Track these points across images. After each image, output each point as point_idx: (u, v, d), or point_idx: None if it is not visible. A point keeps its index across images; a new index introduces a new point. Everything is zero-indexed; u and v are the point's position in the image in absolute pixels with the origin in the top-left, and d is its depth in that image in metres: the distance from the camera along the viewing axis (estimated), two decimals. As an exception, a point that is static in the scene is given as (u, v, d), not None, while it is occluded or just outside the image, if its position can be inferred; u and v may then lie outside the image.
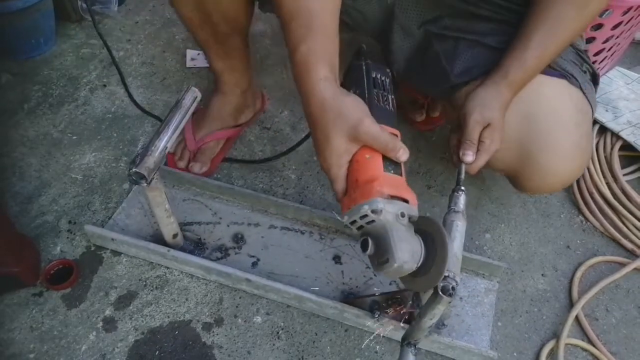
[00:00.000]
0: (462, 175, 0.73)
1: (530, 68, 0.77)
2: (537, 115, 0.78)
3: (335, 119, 0.62)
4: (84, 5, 1.25)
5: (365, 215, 0.59)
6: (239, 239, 0.95)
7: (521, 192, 1.02)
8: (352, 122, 0.61)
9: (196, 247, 0.92)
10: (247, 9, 0.91)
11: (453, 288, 0.59)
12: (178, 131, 0.75)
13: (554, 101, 0.79)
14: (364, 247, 0.61)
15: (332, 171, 0.64)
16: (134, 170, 0.71)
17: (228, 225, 0.97)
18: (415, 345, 0.69)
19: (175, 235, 0.88)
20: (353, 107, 0.62)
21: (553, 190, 0.88)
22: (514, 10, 0.82)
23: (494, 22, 0.85)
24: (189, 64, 1.31)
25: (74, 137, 1.12)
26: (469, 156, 0.74)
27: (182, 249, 0.90)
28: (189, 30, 0.97)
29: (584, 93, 0.81)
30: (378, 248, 0.60)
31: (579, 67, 0.83)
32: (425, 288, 0.64)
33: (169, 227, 0.86)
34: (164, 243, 0.89)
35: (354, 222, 0.61)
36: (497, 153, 0.80)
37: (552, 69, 0.80)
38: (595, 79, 0.87)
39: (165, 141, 0.73)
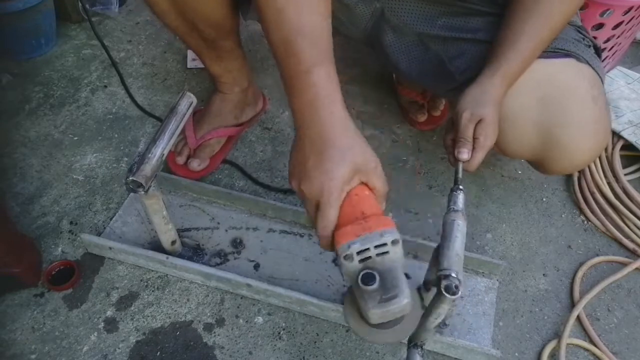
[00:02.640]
0: (460, 174, 0.73)
1: (526, 57, 0.76)
2: (553, 96, 0.78)
3: (353, 146, 0.59)
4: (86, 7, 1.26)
5: (384, 245, 0.56)
6: (237, 243, 0.95)
7: (547, 175, 1.07)
8: (371, 160, 0.60)
9: (195, 253, 0.92)
10: (230, 14, 0.90)
11: (456, 287, 0.59)
12: (174, 137, 0.75)
13: (567, 80, 0.79)
14: (369, 280, 0.55)
15: (332, 196, 0.58)
16: (131, 178, 0.70)
17: (226, 230, 0.97)
18: (422, 347, 0.69)
19: (173, 242, 0.88)
20: (371, 149, 0.61)
21: (579, 168, 0.91)
22: (507, 4, 0.82)
23: (488, 17, 0.85)
24: (190, 64, 1.31)
25: (75, 138, 1.12)
26: (464, 154, 0.74)
27: (180, 255, 0.90)
28: (179, 38, 0.97)
29: (592, 68, 0.82)
30: (383, 283, 0.56)
31: (582, 43, 0.83)
32: (390, 340, 0.62)
33: (167, 234, 0.85)
34: (163, 250, 0.88)
35: (363, 251, 0.56)
36: (520, 142, 0.81)
37: (557, 52, 0.80)
38: (598, 52, 0.87)
39: (162, 148, 0.73)
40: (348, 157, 0.58)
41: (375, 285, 0.55)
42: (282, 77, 0.62)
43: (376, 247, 0.56)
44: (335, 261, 0.59)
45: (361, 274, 0.56)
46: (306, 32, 0.60)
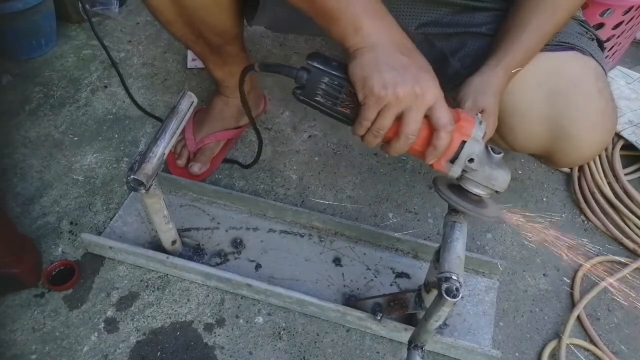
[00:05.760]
0: None
1: (529, 50, 0.77)
2: (560, 89, 0.79)
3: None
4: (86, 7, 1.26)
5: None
6: (238, 243, 0.95)
7: (556, 169, 1.10)
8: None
9: (195, 253, 0.92)
10: (236, 21, 0.91)
11: (457, 289, 0.59)
12: (175, 137, 0.75)
13: (573, 72, 0.80)
14: (498, 151, 0.62)
15: (442, 95, 0.60)
16: (132, 177, 0.70)
17: (227, 230, 0.97)
18: (422, 348, 0.69)
19: (174, 242, 0.88)
20: None
21: (586, 160, 0.92)
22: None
23: (492, 11, 0.85)
24: (190, 64, 1.31)
25: (75, 138, 1.12)
26: None
27: (180, 255, 0.90)
28: (185, 45, 0.97)
29: (596, 60, 0.82)
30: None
31: (585, 36, 0.84)
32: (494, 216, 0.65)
33: (167, 234, 0.85)
34: (163, 250, 0.88)
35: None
36: (529, 136, 0.82)
37: (561, 45, 0.81)
38: (600, 45, 0.87)
39: (163, 147, 0.73)
40: (427, 62, 0.62)
41: (501, 155, 0.62)
42: (332, 9, 0.61)
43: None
44: (453, 160, 0.63)
45: (489, 147, 0.62)
46: None
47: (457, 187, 0.65)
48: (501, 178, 0.61)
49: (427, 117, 0.60)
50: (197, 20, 0.86)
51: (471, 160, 0.61)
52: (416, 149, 0.63)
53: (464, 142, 0.61)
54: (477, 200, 0.64)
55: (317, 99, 0.63)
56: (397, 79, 0.57)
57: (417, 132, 0.60)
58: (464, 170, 0.62)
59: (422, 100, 0.58)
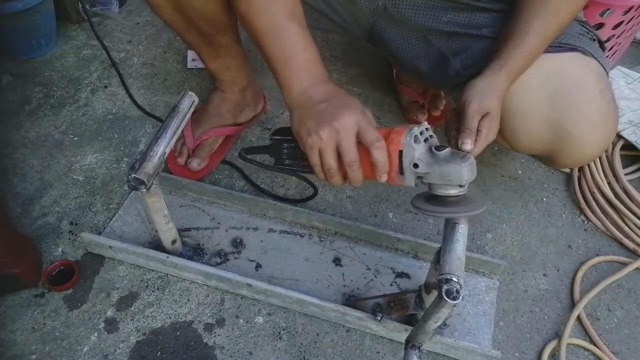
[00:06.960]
0: None
1: (531, 54, 0.77)
2: (562, 91, 0.79)
3: (343, 91, 0.70)
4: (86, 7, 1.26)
5: (428, 129, 0.64)
6: (238, 243, 0.95)
7: (557, 169, 1.11)
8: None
9: (195, 252, 0.92)
10: (225, 9, 0.89)
11: (457, 291, 0.59)
12: (176, 136, 0.75)
13: (575, 74, 0.80)
14: (442, 147, 0.62)
15: (369, 120, 0.66)
16: (133, 176, 0.70)
17: (227, 230, 0.97)
18: (419, 348, 0.69)
19: (174, 242, 0.88)
20: None
21: (588, 161, 0.95)
22: (511, 1, 0.83)
23: (492, 13, 0.86)
24: (190, 64, 1.31)
25: (75, 138, 1.12)
26: (467, 145, 0.73)
27: (181, 255, 0.90)
28: (177, 34, 0.97)
29: (598, 61, 0.83)
30: (452, 151, 0.64)
31: (586, 37, 0.84)
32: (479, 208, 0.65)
33: (167, 233, 0.85)
34: (163, 249, 0.88)
35: (422, 132, 0.63)
36: (531, 137, 0.83)
37: (562, 46, 0.81)
38: (601, 45, 0.87)
39: (164, 146, 0.73)
40: (350, 97, 0.69)
41: (448, 151, 0.62)
42: (275, 64, 0.72)
43: (427, 130, 0.64)
44: (401, 168, 0.64)
45: (433, 146, 0.62)
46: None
47: (434, 197, 0.64)
48: (454, 171, 0.60)
49: (360, 143, 0.64)
50: (185, 5, 0.86)
51: (415, 165, 0.62)
52: (369, 174, 0.66)
53: (401, 151, 0.63)
54: (456, 201, 0.63)
55: (286, 162, 0.74)
56: (316, 125, 0.65)
57: (356, 157, 0.64)
58: (420, 177, 0.63)
59: (345, 131, 0.63)
